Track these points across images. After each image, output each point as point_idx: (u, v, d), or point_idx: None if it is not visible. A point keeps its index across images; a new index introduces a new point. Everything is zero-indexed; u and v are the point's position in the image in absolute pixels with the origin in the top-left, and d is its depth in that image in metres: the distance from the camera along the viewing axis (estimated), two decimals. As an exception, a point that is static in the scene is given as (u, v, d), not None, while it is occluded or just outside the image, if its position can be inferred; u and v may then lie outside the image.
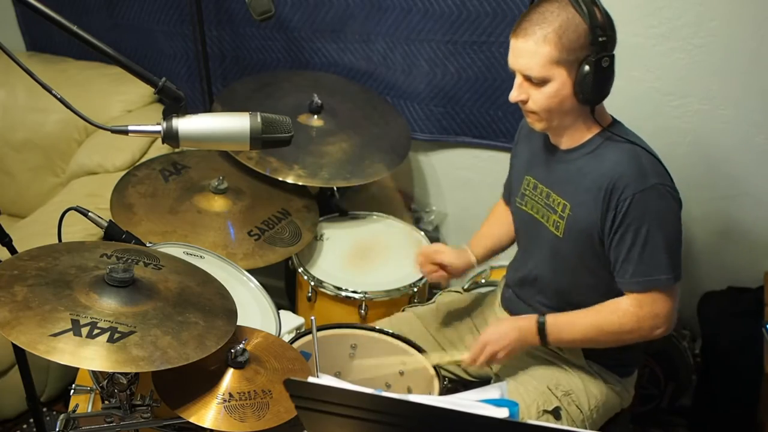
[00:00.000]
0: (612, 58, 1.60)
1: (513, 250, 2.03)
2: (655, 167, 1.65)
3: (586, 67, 1.57)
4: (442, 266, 1.98)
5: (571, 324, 1.73)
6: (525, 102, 1.67)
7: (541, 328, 1.72)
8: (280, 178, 2.30)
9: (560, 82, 1.60)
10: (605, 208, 1.65)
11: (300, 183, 2.31)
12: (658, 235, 1.63)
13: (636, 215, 1.62)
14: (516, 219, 1.93)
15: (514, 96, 1.67)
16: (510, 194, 1.98)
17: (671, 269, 1.64)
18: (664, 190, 1.63)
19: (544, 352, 1.88)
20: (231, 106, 2.47)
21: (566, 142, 1.74)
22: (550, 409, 1.77)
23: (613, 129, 1.70)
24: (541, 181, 1.80)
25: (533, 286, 1.87)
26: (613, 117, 1.75)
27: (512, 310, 1.93)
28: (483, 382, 2.00)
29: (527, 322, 1.75)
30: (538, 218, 1.81)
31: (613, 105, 1.77)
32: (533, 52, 1.58)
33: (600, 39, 1.56)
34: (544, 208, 1.79)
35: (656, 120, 2.28)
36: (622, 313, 1.68)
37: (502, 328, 1.76)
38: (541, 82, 1.61)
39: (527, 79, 1.63)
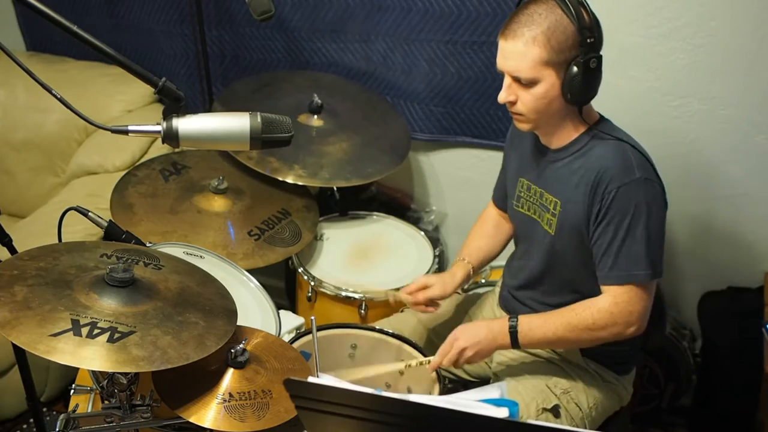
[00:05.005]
0: (599, 59, 1.60)
1: (510, 249, 2.03)
2: (642, 163, 1.65)
3: (575, 68, 1.58)
4: (432, 300, 1.95)
5: (544, 322, 1.72)
6: (514, 103, 1.67)
7: (513, 327, 1.71)
8: (280, 178, 2.30)
9: (549, 83, 1.61)
10: (591, 201, 1.66)
11: (300, 183, 2.31)
12: (640, 229, 1.62)
13: (619, 208, 1.62)
14: (513, 221, 1.94)
15: (503, 97, 1.68)
16: (498, 197, 2.02)
17: (650, 265, 1.64)
18: (649, 184, 1.63)
19: (542, 351, 1.88)
20: (231, 106, 2.47)
21: (556, 142, 1.75)
22: (549, 407, 1.77)
23: (600, 126, 1.71)
24: (533, 181, 1.81)
25: (530, 285, 1.87)
26: (600, 114, 1.76)
27: (510, 309, 1.93)
28: (483, 382, 2.00)
29: (500, 321, 1.75)
30: (535, 218, 1.82)
31: (613, 105, 1.77)
32: (522, 53, 1.59)
33: (588, 40, 1.57)
34: (539, 208, 1.80)
35: (656, 120, 2.28)
36: (596, 309, 1.67)
37: (474, 326, 1.77)
38: (530, 84, 1.62)
39: (516, 80, 1.64)
